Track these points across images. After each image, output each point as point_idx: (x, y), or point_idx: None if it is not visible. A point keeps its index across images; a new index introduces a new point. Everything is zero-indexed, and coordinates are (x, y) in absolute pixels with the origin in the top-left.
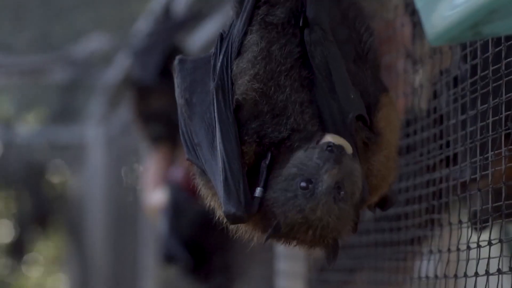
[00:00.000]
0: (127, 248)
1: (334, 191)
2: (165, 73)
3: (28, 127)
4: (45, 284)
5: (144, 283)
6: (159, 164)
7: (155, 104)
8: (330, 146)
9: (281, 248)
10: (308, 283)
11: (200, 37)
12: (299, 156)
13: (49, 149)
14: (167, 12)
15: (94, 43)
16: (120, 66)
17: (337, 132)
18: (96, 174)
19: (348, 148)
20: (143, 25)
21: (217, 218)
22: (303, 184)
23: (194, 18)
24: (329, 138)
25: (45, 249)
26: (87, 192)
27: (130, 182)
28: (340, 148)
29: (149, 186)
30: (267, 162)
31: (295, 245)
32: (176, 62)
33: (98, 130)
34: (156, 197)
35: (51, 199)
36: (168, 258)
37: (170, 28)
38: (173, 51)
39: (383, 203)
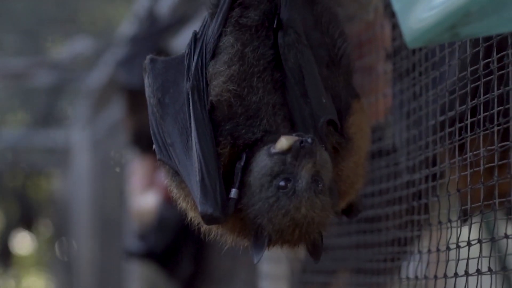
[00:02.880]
0: (113, 251)
1: (313, 184)
2: None
3: (13, 130)
4: (31, 287)
5: (129, 286)
6: (146, 168)
7: (144, 107)
8: (302, 142)
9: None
10: (291, 285)
11: (185, 40)
12: (266, 163)
13: (34, 153)
14: (151, 15)
15: (78, 46)
16: (104, 69)
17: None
18: (82, 178)
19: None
20: (126, 28)
21: (189, 219)
22: (282, 183)
23: (179, 21)
24: (284, 140)
25: (32, 252)
26: (72, 195)
27: (115, 186)
28: (310, 140)
29: (136, 189)
30: (242, 163)
31: (282, 247)
32: (147, 61)
33: (83, 133)
34: (143, 200)
35: (36, 203)
36: (130, 253)
37: (155, 33)
38: (158, 55)
39: (350, 210)
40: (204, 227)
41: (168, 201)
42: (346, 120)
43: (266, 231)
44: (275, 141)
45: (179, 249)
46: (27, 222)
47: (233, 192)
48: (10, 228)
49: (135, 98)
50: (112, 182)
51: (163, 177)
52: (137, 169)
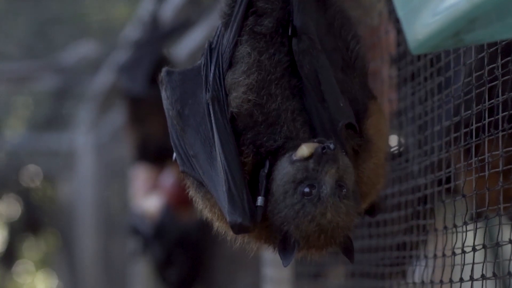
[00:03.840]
0: (116, 253)
1: (337, 190)
2: (154, 83)
3: (18, 134)
4: None
5: None
6: (149, 171)
7: (147, 115)
8: (324, 148)
9: (268, 255)
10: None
11: (187, 45)
12: (288, 170)
13: (38, 156)
14: (154, 20)
15: (82, 50)
16: (108, 73)
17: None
18: (86, 181)
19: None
20: (131, 32)
21: (215, 229)
22: (306, 190)
23: (181, 26)
24: (305, 147)
25: (36, 255)
26: (77, 198)
27: (119, 189)
28: (332, 146)
29: (139, 193)
30: (266, 170)
31: (309, 252)
32: (163, 74)
33: (87, 137)
34: (146, 204)
35: (41, 206)
36: (134, 230)
37: (157, 38)
38: (160, 61)
39: (372, 209)
40: (231, 236)
41: (170, 207)
42: (364, 122)
43: (293, 237)
44: (295, 148)
45: (177, 256)
46: (31, 225)
47: (260, 200)
48: (14, 231)
49: (137, 106)
50: (116, 185)
51: (166, 181)
52: (140, 172)
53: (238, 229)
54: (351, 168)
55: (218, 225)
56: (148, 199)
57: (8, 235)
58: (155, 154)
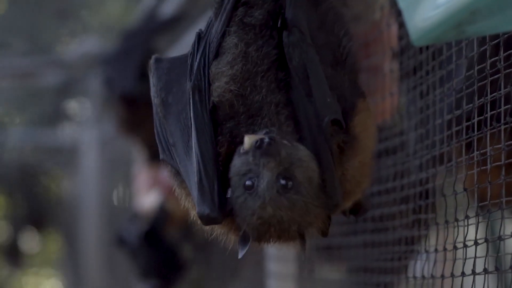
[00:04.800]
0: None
1: (277, 184)
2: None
3: (21, 130)
4: (39, 287)
5: (137, 285)
6: (153, 168)
7: (142, 120)
8: (257, 142)
9: (271, 250)
10: (298, 284)
11: (187, 41)
12: (235, 162)
13: (42, 152)
14: (152, 14)
15: (85, 45)
16: None
17: (312, 135)
18: (90, 177)
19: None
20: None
21: (191, 218)
22: (248, 183)
23: (175, 20)
24: (246, 140)
25: (39, 252)
26: (80, 194)
27: (123, 185)
28: (269, 140)
29: (142, 189)
30: None
31: (270, 243)
32: (152, 61)
33: (91, 133)
34: (148, 200)
35: (45, 202)
36: (120, 241)
37: (147, 31)
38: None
39: (357, 209)
40: (206, 227)
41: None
42: (351, 119)
43: (243, 229)
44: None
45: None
46: (35, 221)
47: (230, 192)
48: (18, 227)
49: (134, 106)
50: (120, 181)
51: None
52: (143, 169)
53: (206, 220)
54: (307, 158)
55: (194, 215)
56: (148, 196)
57: (12, 232)
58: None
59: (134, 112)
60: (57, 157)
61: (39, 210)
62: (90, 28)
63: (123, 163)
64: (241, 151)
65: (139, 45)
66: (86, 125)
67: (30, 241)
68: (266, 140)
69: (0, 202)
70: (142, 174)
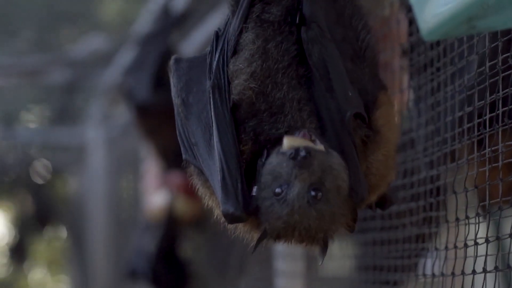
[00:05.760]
0: (128, 250)
1: (308, 195)
2: (161, 83)
3: (28, 128)
4: (46, 285)
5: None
6: (160, 167)
7: (158, 126)
8: (292, 153)
9: (280, 248)
10: (306, 282)
11: (198, 38)
12: (272, 161)
13: (49, 151)
14: (165, 13)
15: (93, 43)
16: (119, 67)
17: (334, 130)
18: (97, 176)
19: (317, 145)
20: (142, 25)
21: (215, 217)
22: (277, 190)
23: (184, 17)
24: (285, 142)
25: (46, 251)
26: (87, 193)
27: (130, 184)
28: (304, 151)
29: (150, 188)
30: (263, 159)
31: (291, 244)
32: (171, 61)
33: (98, 131)
34: (156, 199)
35: (51, 201)
36: (132, 273)
37: (161, 33)
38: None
39: (383, 202)
40: (229, 225)
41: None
42: (373, 113)
43: (264, 227)
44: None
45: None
46: (42, 219)
47: (255, 190)
48: (25, 225)
49: (147, 119)
50: (127, 180)
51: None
52: (151, 167)
53: (230, 219)
54: (338, 166)
55: (218, 213)
56: (157, 195)
57: (19, 230)
58: (175, 162)
59: (149, 124)
60: (64, 155)
61: (46, 208)
62: (98, 26)
63: (130, 161)
64: (281, 150)
65: (155, 50)
66: (94, 123)
67: (37, 240)
68: (302, 153)
69: (8, 201)
70: (150, 172)
